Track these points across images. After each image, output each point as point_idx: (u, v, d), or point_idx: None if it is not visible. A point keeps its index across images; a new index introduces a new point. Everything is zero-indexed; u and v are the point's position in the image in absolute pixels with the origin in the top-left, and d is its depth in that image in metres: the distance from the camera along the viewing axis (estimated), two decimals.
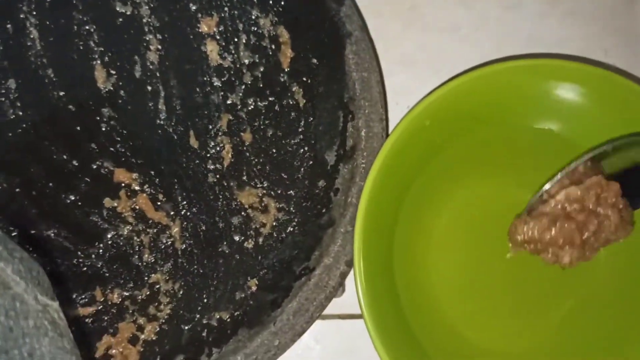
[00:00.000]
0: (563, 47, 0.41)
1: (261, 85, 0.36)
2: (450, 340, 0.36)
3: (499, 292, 0.36)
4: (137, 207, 0.35)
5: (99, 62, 0.35)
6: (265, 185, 0.35)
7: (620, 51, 0.41)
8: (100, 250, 0.34)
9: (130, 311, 0.34)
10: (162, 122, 0.35)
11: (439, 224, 0.37)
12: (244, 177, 0.35)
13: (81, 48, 0.35)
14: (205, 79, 0.35)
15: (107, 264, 0.34)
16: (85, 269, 0.34)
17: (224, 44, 0.36)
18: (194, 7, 0.35)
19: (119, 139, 0.35)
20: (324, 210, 0.33)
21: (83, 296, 0.33)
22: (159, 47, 0.35)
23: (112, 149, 0.35)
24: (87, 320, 0.33)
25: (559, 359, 0.34)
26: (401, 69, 0.41)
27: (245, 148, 0.35)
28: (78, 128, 0.35)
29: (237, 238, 0.35)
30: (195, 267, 0.35)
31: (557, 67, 0.31)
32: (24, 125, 0.34)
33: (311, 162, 0.35)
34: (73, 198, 0.34)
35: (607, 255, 0.34)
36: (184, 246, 0.35)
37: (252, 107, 0.36)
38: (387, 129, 0.34)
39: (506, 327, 0.36)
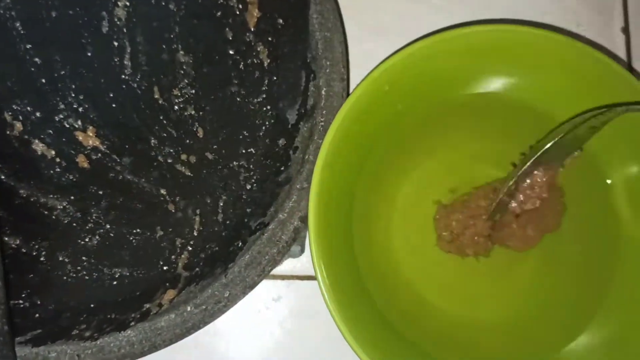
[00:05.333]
0: (537, 19, 0.41)
1: (227, 45, 0.36)
2: (413, 306, 0.35)
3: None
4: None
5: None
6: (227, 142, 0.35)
7: (592, 25, 0.41)
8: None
9: None
10: (127, 78, 0.35)
11: (403, 189, 0.37)
12: (208, 135, 0.35)
13: (49, 2, 0.35)
14: (171, 36, 0.35)
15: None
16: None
17: None
18: None
19: (82, 94, 0.35)
20: (282, 168, 0.33)
21: None
22: (127, 3, 0.35)
23: (76, 103, 0.35)
24: None
25: (527, 327, 0.34)
26: (373, 37, 0.41)
27: (208, 106, 0.36)
28: (43, 80, 0.35)
29: None
30: None
31: (517, 32, 0.31)
32: None
33: (273, 121, 0.35)
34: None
35: (569, 217, 0.34)
36: None
37: (217, 65, 0.36)
38: (348, 90, 0.34)
39: (472, 293, 0.36)
